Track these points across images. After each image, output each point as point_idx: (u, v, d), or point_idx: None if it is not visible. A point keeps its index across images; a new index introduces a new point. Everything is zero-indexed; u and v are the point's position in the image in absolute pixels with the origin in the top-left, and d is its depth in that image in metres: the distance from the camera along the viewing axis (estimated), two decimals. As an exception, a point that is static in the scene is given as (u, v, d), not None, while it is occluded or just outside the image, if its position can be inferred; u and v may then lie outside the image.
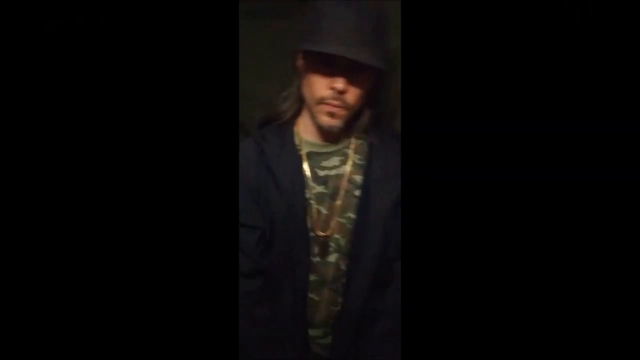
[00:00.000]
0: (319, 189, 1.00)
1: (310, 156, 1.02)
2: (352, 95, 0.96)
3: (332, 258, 1.00)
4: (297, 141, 1.02)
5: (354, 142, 1.04)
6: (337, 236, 1.00)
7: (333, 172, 1.01)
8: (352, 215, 1.00)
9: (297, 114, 1.04)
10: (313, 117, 0.99)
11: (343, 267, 1.00)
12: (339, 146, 1.04)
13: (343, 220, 1.00)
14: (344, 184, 1.00)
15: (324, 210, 1.00)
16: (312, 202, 0.99)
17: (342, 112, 0.96)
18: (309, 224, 0.99)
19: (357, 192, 1.00)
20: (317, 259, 1.00)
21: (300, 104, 1.03)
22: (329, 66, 0.92)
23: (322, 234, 0.99)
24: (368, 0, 0.93)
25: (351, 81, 0.94)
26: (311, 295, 1.00)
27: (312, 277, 1.00)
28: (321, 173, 1.01)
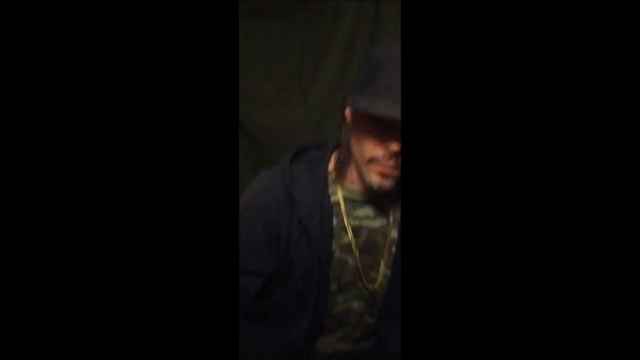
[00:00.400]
0: (346, 239, 0.93)
1: (345, 203, 0.93)
2: None
3: (377, 223, 0.94)
4: (331, 184, 0.93)
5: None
6: (379, 292, 0.95)
7: (366, 223, 0.94)
8: (388, 271, 0.94)
9: (341, 166, 0.93)
10: (361, 175, 0.89)
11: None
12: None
13: (382, 278, 0.94)
14: (378, 237, 0.94)
15: (350, 261, 0.93)
16: (339, 254, 0.93)
17: (395, 173, 0.86)
18: (339, 275, 0.93)
19: (393, 249, 0.94)
20: (356, 305, 0.96)
21: (348, 157, 0.91)
22: (384, 126, 0.82)
23: (371, 287, 0.94)
24: None
25: None
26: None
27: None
28: (352, 223, 0.93)
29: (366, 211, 0.93)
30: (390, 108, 0.78)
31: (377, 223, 0.94)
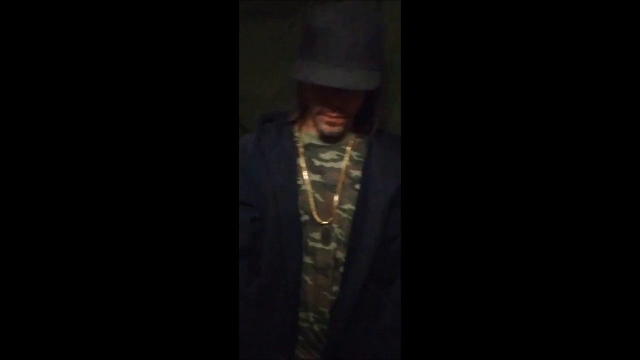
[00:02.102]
0: (315, 177, 1.05)
1: (308, 147, 1.08)
2: (351, 105, 1.03)
3: (332, 246, 1.03)
4: (296, 134, 1.09)
5: (352, 140, 1.09)
6: (335, 226, 1.03)
7: (329, 165, 1.06)
8: (351, 207, 1.03)
9: (299, 117, 1.10)
10: (314, 123, 1.06)
11: (340, 256, 1.03)
12: (338, 143, 1.09)
13: (342, 212, 1.03)
14: (342, 177, 1.05)
15: (320, 199, 1.04)
16: (307, 189, 1.04)
17: (341, 121, 1.04)
18: (304, 210, 1.03)
19: (357, 186, 1.04)
20: (319, 245, 1.03)
21: (303, 109, 1.09)
22: (324, 89, 0.96)
23: (323, 222, 1.02)
24: (363, 13, 0.97)
25: (348, 95, 1.00)
26: (305, 277, 1.03)
27: (307, 260, 1.03)
28: (317, 163, 1.06)
29: (331, 154, 1.07)
30: (328, 70, 0.94)
31: (342, 165, 1.06)
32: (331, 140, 1.08)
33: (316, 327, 1.04)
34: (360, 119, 1.08)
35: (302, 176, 1.04)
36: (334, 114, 1.02)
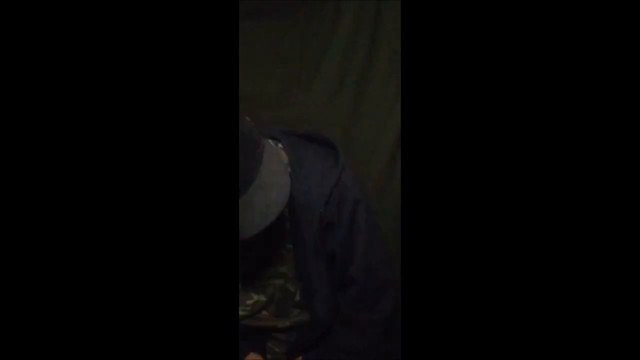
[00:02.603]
0: None
1: None
2: None
3: (275, 281, 1.07)
4: None
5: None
6: (276, 265, 1.07)
7: None
8: (289, 245, 1.06)
9: None
10: None
11: (291, 288, 1.07)
12: None
13: (281, 250, 1.06)
14: None
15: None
16: None
17: None
18: None
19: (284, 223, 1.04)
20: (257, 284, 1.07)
21: None
22: None
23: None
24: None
25: None
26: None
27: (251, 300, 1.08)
28: None
29: None
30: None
31: None
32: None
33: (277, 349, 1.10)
34: None
35: None
36: None
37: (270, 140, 1.04)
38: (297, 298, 1.08)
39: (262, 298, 1.08)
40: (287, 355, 1.11)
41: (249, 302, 1.08)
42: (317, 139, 1.11)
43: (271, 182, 0.93)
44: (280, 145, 1.07)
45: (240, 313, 1.07)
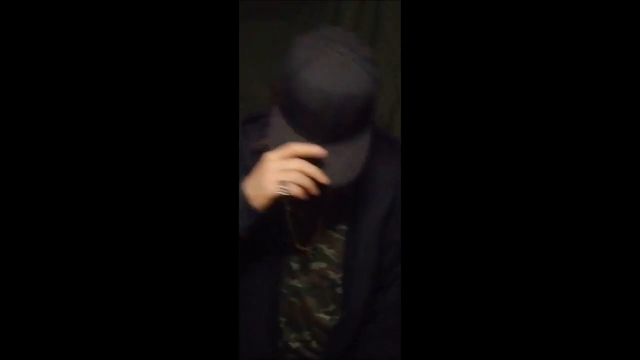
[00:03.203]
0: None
1: None
2: None
3: (315, 266, 0.99)
4: None
5: None
6: (322, 246, 0.99)
7: None
8: (343, 227, 0.98)
9: None
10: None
11: (333, 276, 1.00)
12: None
13: (331, 231, 0.99)
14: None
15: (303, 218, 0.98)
16: (288, 214, 0.97)
17: None
18: (287, 235, 0.98)
19: (339, 205, 0.98)
20: (297, 265, 1.00)
21: None
22: None
23: (301, 248, 0.98)
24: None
25: None
26: (293, 299, 1.00)
27: (291, 283, 1.00)
28: None
29: None
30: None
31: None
32: None
33: (314, 345, 1.03)
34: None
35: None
36: None
37: None
38: (339, 291, 1.01)
39: (299, 284, 1.01)
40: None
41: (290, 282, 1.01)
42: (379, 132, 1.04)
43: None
44: None
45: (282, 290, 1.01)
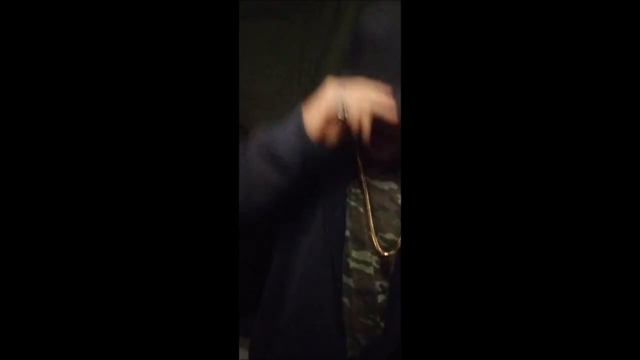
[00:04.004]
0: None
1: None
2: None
3: (372, 270, 0.95)
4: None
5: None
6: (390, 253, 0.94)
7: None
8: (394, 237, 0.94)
9: None
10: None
11: (385, 285, 0.95)
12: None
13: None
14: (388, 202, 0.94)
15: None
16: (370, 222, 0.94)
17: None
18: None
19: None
20: (363, 267, 0.96)
21: None
22: None
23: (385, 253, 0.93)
24: None
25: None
26: (344, 299, 0.96)
27: (346, 280, 0.95)
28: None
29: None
30: None
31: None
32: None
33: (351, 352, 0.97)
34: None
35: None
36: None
37: None
38: (380, 300, 0.96)
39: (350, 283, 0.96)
40: None
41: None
42: None
43: None
44: None
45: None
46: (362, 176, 0.94)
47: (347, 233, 0.94)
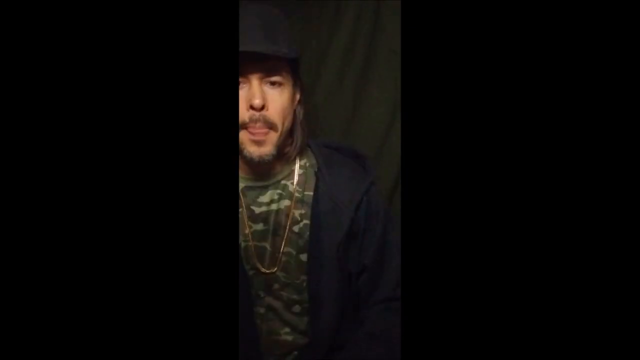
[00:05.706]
0: (257, 227, 0.96)
1: (245, 193, 0.95)
2: (274, 112, 0.88)
3: (278, 293, 0.99)
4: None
5: (294, 171, 0.97)
6: (280, 274, 0.98)
7: (273, 207, 0.96)
8: (292, 251, 0.97)
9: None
10: (241, 150, 0.90)
11: (296, 299, 0.99)
12: (277, 177, 0.97)
13: (285, 258, 0.97)
14: (283, 219, 0.96)
15: (268, 247, 0.97)
16: (249, 241, 0.96)
17: (269, 137, 0.88)
18: (250, 262, 0.97)
19: (296, 229, 0.96)
20: (262, 293, 0.99)
21: None
22: (243, 82, 0.86)
23: (266, 271, 0.97)
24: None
25: (268, 96, 0.88)
26: (262, 325, 1.00)
27: (259, 310, 0.99)
28: (257, 210, 0.95)
29: (269, 196, 0.95)
30: (246, 45, 0.81)
31: (281, 205, 0.95)
32: (266, 170, 0.95)
33: None
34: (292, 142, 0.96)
35: (246, 228, 0.94)
36: (258, 125, 0.86)
37: None
38: (297, 310, 1.00)
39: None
40: None
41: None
42: (341, 148, 1.05)
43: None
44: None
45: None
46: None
47: None
